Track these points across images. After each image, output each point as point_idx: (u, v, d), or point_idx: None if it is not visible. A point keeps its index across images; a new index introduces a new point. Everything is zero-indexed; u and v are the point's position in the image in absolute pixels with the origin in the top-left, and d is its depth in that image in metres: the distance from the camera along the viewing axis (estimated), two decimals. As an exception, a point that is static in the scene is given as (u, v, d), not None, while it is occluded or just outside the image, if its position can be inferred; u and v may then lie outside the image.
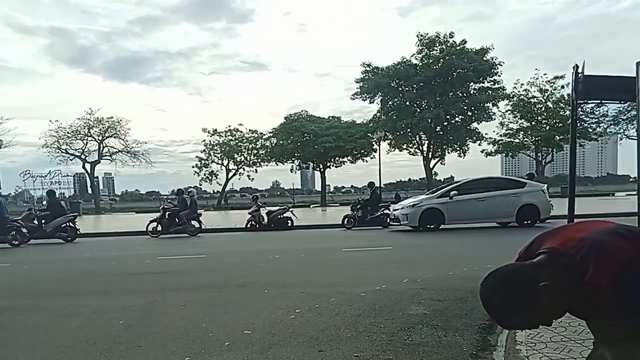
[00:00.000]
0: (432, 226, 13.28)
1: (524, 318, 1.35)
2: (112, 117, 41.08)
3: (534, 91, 35.69)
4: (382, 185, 33.01)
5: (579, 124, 30.21)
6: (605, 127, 34.46)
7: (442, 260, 8.39)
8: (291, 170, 44.67)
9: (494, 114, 37.09)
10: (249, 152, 43.64)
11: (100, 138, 41.17)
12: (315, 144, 39.74)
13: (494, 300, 1.36)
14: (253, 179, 45.40)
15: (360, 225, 15.38)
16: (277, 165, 43.77)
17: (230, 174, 44.22)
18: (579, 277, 1.30)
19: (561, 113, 34.64)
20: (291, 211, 16.89)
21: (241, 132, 43.25)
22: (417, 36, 36.03)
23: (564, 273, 1.33)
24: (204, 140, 43.42)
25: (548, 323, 1.38)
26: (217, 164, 43.95)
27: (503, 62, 35.85)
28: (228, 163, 43.60)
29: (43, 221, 14.45)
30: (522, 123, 37.03)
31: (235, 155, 43.19)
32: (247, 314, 4.97)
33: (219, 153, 43.21)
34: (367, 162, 42.90)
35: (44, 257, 11.37)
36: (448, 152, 39.55)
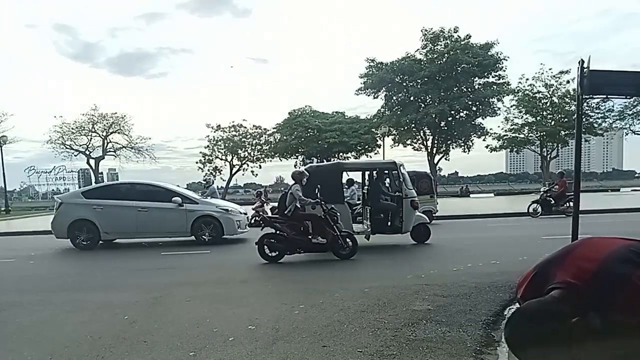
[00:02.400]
0: None
1: (561, 357, 1.28)
2: (116, 113, 41.20)
3: (539, 86, 35.44)
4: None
5: (584, 119, 30.00)
6: (611, 122, 34.12)
7: (446, 256, 8.38)
8: (295, 166, 44.56)
9: (499, 109, 36.85)
10: (253, 147, 43.55)
11: (104, 134, 41.27)
12: (319, 139, 39.62)
13: (527, 341, 1.28)
14: (257, 174, 45.35)
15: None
16: (280, 160, 43.71)
17: (234, 170, 44.27)
18: (605, 315, 1.25)
19: (566, 108, 34.41)
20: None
21: (245, 127, 43.18)
22: (421, 31, 35.86)
23: (589, 310, 1.27)
24: (208, 135, 43.43)
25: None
26: (221, 159, 43.96)
27: (508, 57, 35.62)
28: (232, 159, 43.60)
29: None
30: (527, 118, 36.79)
31: (239, 151, 43.14)
32: (251, 310, 4.99)
33: (222, 149, 43.13)
34: (371, 157, 42.64)
35: (47, 253, 11.42)
36: (452, 148, 39.36)
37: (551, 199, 15.54)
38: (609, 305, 1.25)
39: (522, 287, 1.51)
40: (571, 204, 14.75)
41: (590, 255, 1.37)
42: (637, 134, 33.21)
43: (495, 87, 36.12)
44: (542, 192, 16.10)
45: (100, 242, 11.44)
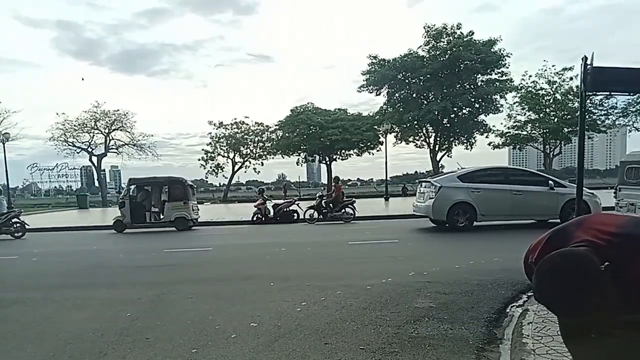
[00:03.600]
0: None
1: (585, 300, 1.24)
2: (118, 110, 41.23)
3: (542, 83, 35.25)
4: (388, 178, 32.96)
5: (587, 116, 29.86)
6: (614, 119, 33.99)
7: (448, 254, 8.37)
8: (297, 163, 44.46)
9: (502, 106, 36.72)
10: (255, 145, 43.50)
11: (106, 131, 41.31)
12: (322, 136, 39.54)
13: (556, 278, 1.26)
14: (259, 172, 45.17)
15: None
16: (283, 158, 43.59)
17: (236, 167, 44.23)
18: (624, 271, 1.24)
19: (569, 105, 34.25)
20: (297, 204, 16.90)
21: (247, 124, 43.15)
22: (424, 27, 35.75)
23: (612, 264, 1.26)
24: (210, 133, 43.36)
25: (600, 313, 1.29)
26: (223, 156, 43.88)
27: (511, 54, 35.45)
28: (234, 156, 43.56)
29: None
30: (530, 115, 36.64)
31: (242, 148, 43.07)
32: (253, 307, 4.99)
33: (225, 146, 43.06)
34: (373, 154, 42.69)
35: (50, 250, 11.46)
36: (455, 145, 39.28)
37: (326, 205, 15.76)
38: (626, 264, 1.25)
39: (536, 251, 1.50)
40: (347, 209, 15.69)
41: (607, 220, 1.40)
42: (640, 131, 33.07)
43: (498, 84, 36.02)
44: (317, 198, 16.11)
45: (475, 223, 11.70)
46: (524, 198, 11.61)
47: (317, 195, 16.63)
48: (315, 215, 15.69)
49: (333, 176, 17.01)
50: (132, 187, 15.98)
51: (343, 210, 15.71)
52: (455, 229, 11.37)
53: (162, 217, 15.35)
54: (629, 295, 1.25)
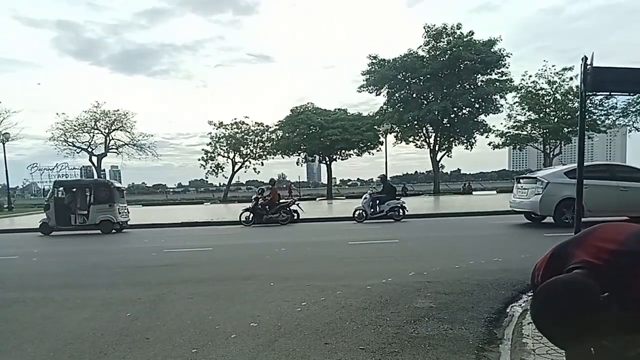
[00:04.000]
0: None
1: (584, 331, 1.21)
2: (118, 110, 41.27)
3: (542, 83, 35.22)
4: (388, 178, 32.99)
5: (587, 116, 29.82)
6: (614, 119, 33.95)
7: (448, 254, 8.36)
8: (297, 163, 44.43)
9: (502, 106, 36.80)
10: (255, 145, 43.46)
11: (106, 131, 41.37)
12: (322, 136, 39.52)
13: (557, 318, 1.22)
14: (259, 172, 45.14)
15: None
16: (283, 158, 43.56)
17: (236, 167, 44.19)
18: (626, 292, 1.22)
19: (569, 105, 34.23)
20: (297, 204, 16.89)
21: (247, 124, 43.11)
22: (424, 27, 35.78)
23: (614, 287, 1.24)
24: (210, 133, 43.36)
25: (595, 341, 1.28)
26: (223, 156, 43.85)
27: (511, 54, 35.53)
28: (234, 156, 43.52)
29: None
30: (530, 115, 36.62)
31: (242, 148, 43.04)
32: (253, 307, 4.99)
33: (225, 146, 43.03)
34: (373, 154, 42.69)
35: (51, 250, 11.46)
36: (455, 145, 39.35)
37: (262, 207, 15.71)
38: (627, 283, 1.22)
39: (539, 272, 1.48)
40: (282, 212, 15.60)
41: (609, 236, 1.36)
42: (640, 131, 33.05)
43: (498, 84, 36.07)
44: (253, 201, 16.05)
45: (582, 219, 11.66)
46: (631, 194, 11.66)
47: (253, 197, 16.51)
48: (251, 217, 15.61)
49: (270, 178, 16.98)
50: (60, 189, 15.81)
51: (279, 213, 15.69)
52: (562, 225, 11.42)
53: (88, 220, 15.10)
54: (628, 314, 1.23)
